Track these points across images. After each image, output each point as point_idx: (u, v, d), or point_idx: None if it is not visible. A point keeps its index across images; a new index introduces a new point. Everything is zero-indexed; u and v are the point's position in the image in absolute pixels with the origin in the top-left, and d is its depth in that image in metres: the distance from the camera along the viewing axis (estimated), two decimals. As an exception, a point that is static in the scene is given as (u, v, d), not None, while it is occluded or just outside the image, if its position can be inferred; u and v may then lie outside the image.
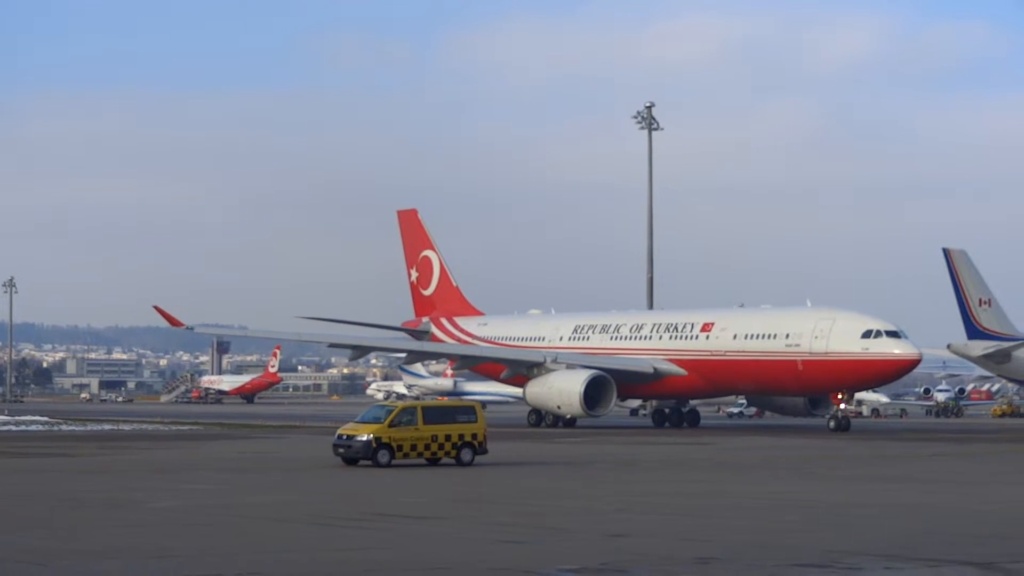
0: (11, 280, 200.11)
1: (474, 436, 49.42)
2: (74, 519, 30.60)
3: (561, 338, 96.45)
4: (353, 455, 48.30)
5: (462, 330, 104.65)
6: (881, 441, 71.24)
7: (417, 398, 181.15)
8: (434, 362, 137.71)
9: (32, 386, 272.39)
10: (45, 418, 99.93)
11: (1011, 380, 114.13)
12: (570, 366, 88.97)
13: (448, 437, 48.90)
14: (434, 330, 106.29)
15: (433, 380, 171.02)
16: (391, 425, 48.31)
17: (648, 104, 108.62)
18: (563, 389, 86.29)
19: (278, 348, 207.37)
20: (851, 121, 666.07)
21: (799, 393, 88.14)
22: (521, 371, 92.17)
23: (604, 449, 64.06)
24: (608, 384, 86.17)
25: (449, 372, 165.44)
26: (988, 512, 32.76)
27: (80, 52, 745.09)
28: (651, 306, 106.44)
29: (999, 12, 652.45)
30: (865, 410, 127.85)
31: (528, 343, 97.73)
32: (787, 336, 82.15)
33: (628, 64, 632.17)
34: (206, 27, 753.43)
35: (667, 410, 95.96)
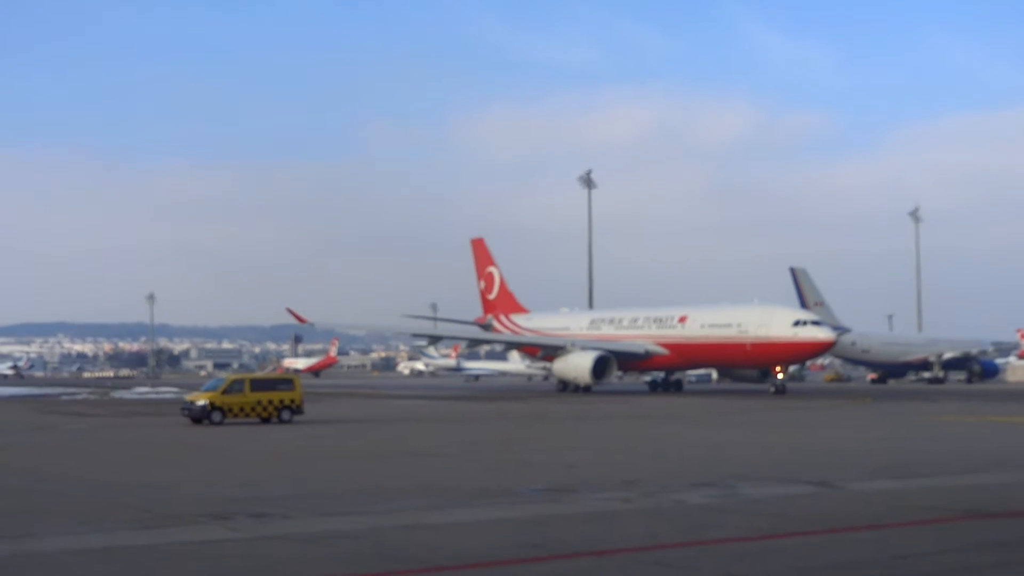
0: (151, 294, 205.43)
1: (292, 401, 45.80)
2: (187, 458, 30.19)
3: (581, 328, 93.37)
4: (195, 415, 44.70)
5: (514, 324, 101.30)
6: (752, 399, 71.07)
7: (433, 372, 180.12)
8: (489, 346, 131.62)
9: (167, 367, 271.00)
10: (175, 389, 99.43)
11: (836, 356, 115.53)
12: (584, 348, 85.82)
13: (271, 402, 45.44)
14: (495, 324, 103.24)
15: (443, 360, 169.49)
16: (224, 393, 44.99)
17: (588, 170, 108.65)
18: (577, 365, 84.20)
19: (335, 340, 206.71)
20: (730, 180, 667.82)
21: (750, 367, 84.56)
22: (550, 352, 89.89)
23: (597, 407, 63.66)
24: (610, 361, 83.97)
25: (453, 354, 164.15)
26: (823, 447, 32.67)
27: (194, 132, 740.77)
28: (591, 306, 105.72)
29: (834, 104, 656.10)
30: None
31: (558, 332, 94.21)
32: (739, 325, 79.04)
33: (579, 139, 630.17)
34: (281, 112, 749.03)
35: (658, 380, 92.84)
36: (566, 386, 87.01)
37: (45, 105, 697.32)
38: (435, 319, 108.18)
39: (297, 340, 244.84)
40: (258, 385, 46.72)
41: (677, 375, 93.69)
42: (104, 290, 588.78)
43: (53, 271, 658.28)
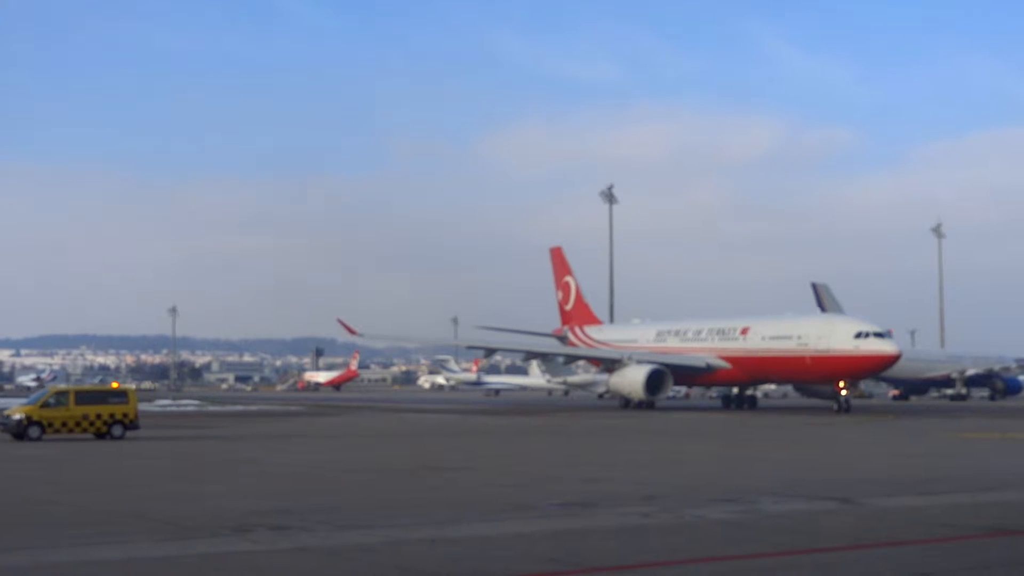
0: (174, 307, 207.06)
1: (124, 415, 43.09)
2: (212, 472, 30.26)
3: (648, 340, 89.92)
4: (11, 430, 42.08)
5: (587, 335, 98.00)
6: (778, 416, 70.78)
7: (453, 386, 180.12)
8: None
9: (188, 380, 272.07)
10: (196, 402, 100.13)
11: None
12: (640, 362, 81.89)
13: (99, 416, 42.68)
14: (570, 335, 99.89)
15: (463, 374, 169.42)
16: (43, 406, 42.45)
17: (609, 185, 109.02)
18: (632, 379, 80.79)
19: (357, 353, 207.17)
20: (753, 195, 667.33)
21: (813, 381, 79.39)
22: (609, 366, 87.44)
23: (639, 423, 63.42)
24: (665, 375, 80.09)
25: (474, 368, 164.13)
26: (846, 463, 32.48)
27: (217, 147, 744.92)
28: (612, 319, 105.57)
29: (857, 120, 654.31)
30: (759, 394, 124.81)
31: (626, 344, 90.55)
32: (799, 337, 74.75)
33: (602, 155, 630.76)
34: (304, 128, 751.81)
35: (730, 396, 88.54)
36: (628, 402, 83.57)
37: (72, 119, 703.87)
38: (509, 330, 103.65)
39: (318, 353, 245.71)
40: (84, 398, 43.70)
41: (750, 390, 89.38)
42: (127, 303, 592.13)
43: (77, 283, 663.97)
